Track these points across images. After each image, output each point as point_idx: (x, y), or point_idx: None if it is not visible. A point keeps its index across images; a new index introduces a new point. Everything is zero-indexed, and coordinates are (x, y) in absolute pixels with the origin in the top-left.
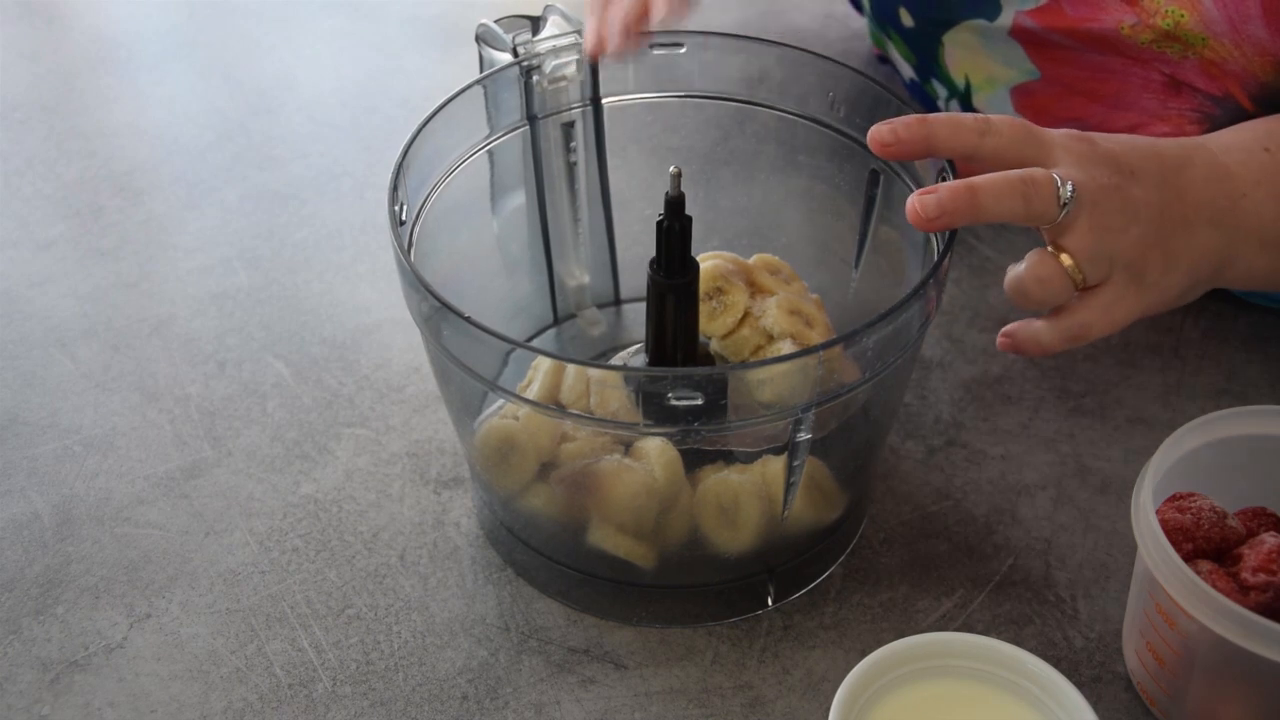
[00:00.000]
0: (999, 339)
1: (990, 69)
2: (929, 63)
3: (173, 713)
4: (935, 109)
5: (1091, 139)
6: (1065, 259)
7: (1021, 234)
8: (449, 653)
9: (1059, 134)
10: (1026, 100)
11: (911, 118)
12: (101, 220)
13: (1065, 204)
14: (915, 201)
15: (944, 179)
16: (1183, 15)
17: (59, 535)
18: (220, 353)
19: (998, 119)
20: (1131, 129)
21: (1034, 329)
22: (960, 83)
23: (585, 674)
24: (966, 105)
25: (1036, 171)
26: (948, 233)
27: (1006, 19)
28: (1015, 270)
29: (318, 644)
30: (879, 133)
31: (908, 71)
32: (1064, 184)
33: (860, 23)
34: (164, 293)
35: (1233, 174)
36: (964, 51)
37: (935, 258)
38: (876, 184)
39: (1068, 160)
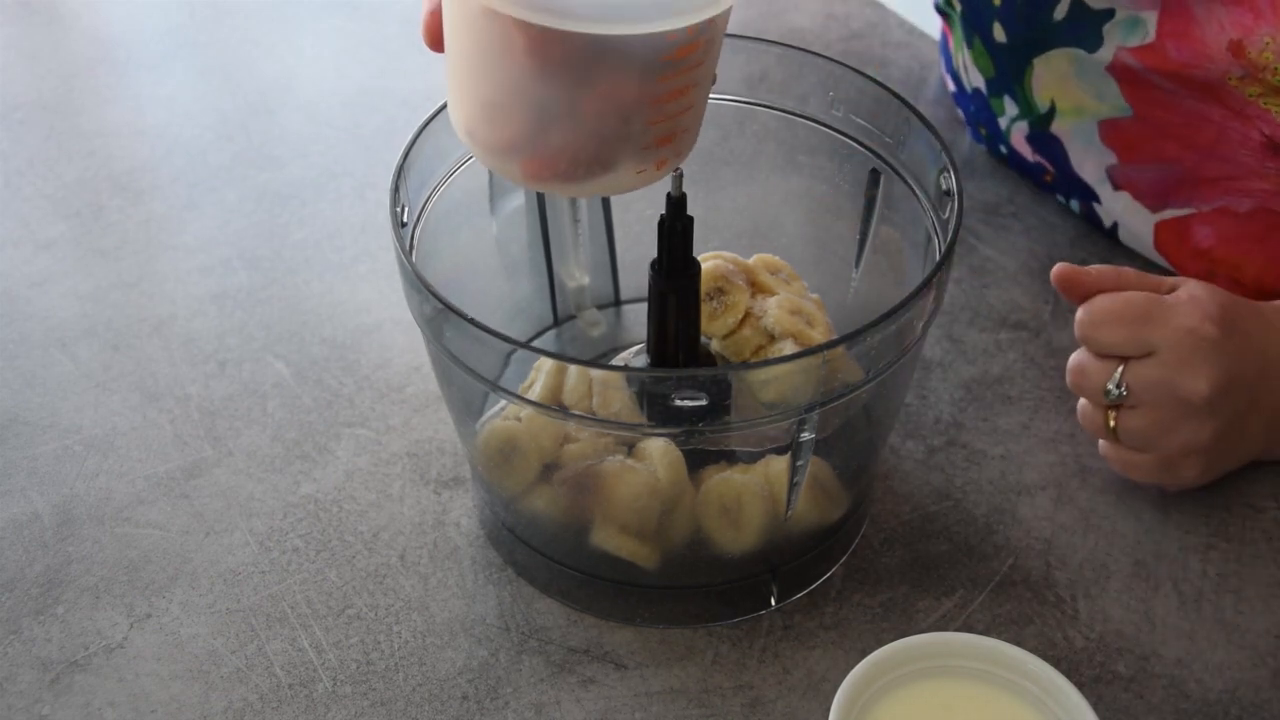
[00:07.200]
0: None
1: (1080, 98)
2: (1009, 80)
3: (173, 713)
4: (993, 120)
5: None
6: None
7: (1022, 235)
8: (449, 653)
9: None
10: (1115, 135)
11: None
12: (101, 220)
13: (1111, 396)
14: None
15: (944, 177)
16: None
17: (59, 535)
18: (220, 353)
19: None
20: (1226, 179)
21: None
22: (1043, 105)
23: (585, 674)
24: (1042, 129)
25: (1094, 368)
26: (950, 232)
27: (1107, 53)
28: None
29: (318, 644)
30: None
31: (976, 80)
32: (1118, 386)
33: (861, 22)
34: (164, 293)
35: None
36: (1054, 77)
37: (936, 257)
38: (876, 184)
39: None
